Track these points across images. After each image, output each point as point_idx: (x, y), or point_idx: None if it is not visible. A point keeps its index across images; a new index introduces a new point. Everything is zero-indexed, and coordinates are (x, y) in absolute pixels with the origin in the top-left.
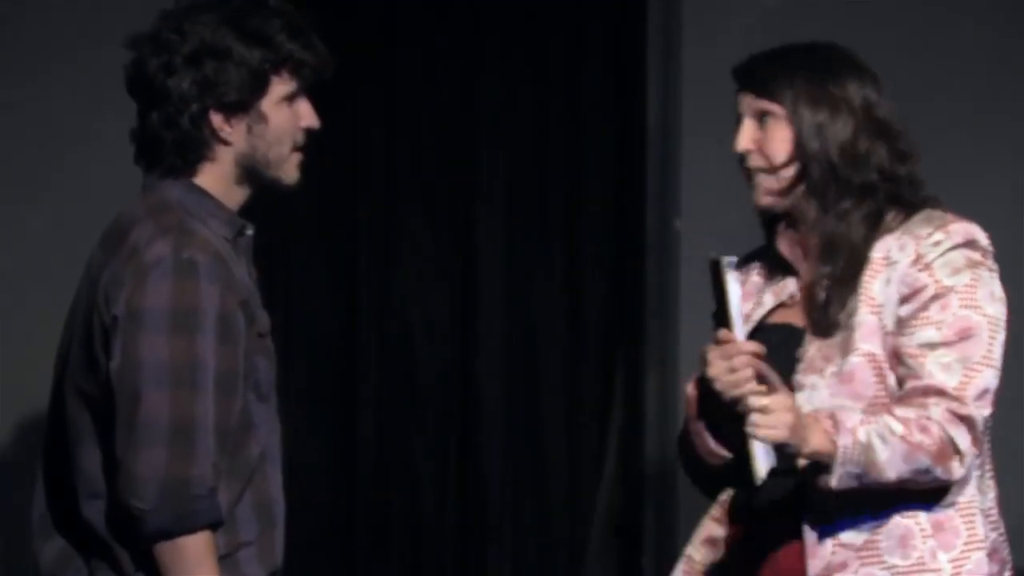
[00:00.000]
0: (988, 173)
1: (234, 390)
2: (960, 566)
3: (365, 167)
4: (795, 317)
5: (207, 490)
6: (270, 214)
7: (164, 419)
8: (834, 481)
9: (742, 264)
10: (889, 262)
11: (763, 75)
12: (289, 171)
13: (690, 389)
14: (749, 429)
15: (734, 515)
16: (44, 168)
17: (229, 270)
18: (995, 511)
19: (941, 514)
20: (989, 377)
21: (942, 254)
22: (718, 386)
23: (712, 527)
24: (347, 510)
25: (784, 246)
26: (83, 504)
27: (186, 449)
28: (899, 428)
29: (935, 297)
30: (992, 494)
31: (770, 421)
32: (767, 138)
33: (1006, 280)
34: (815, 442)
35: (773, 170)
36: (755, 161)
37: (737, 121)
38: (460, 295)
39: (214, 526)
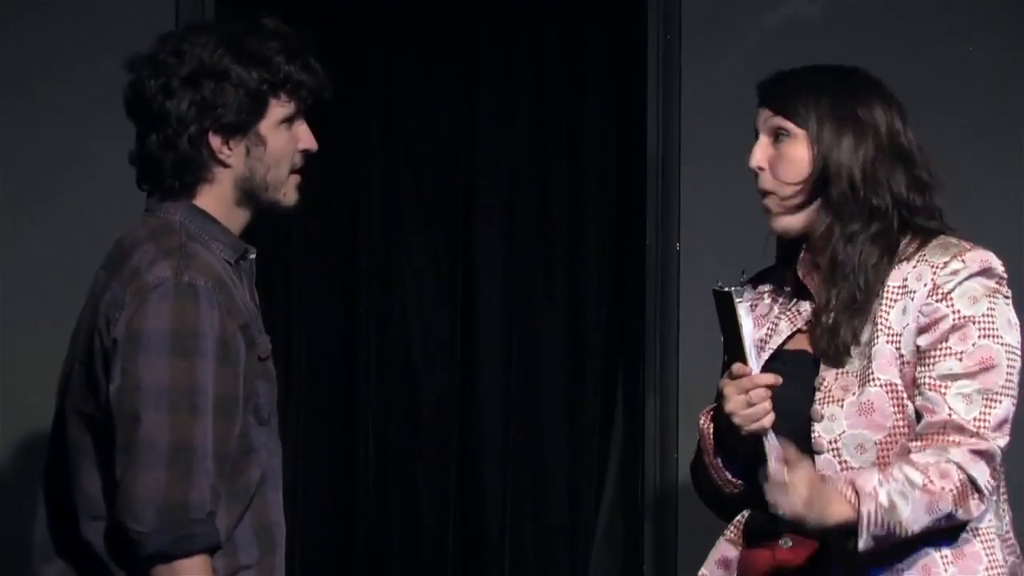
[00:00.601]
0: (990, 187)
1: (234, 414)
2: None
3: (365, 188)
4: (808, 343)
5: (205, 514)
6: (270, 236)
7: (163, 442)
8: (861, 545)
9: (753, 286)
10: (906, 291)
11: (786, 93)
12: (288, 194)
13: (704, 422)
14: (769, 502)
15: (749, 538)
16: (43, 188)
17: (230, 294)
18: (1011, 535)
19: (961, 541)
20: (1008, 407)
21: (960, 283)
22: (736, 420)
23: (727, 548)
24: (347, 530)
25: (802, 269)
26: (83, 526)
27: (184, 472)
28: (919, 479)
29: (955, 327)
30: (1008, 518)
31: (785, 500)
32: (781, 156)
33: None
34: (837, 513)
35: (783, 192)
36: (766, 183)
37: (755, 136)
38: (460, 316)
39: (212, 550)
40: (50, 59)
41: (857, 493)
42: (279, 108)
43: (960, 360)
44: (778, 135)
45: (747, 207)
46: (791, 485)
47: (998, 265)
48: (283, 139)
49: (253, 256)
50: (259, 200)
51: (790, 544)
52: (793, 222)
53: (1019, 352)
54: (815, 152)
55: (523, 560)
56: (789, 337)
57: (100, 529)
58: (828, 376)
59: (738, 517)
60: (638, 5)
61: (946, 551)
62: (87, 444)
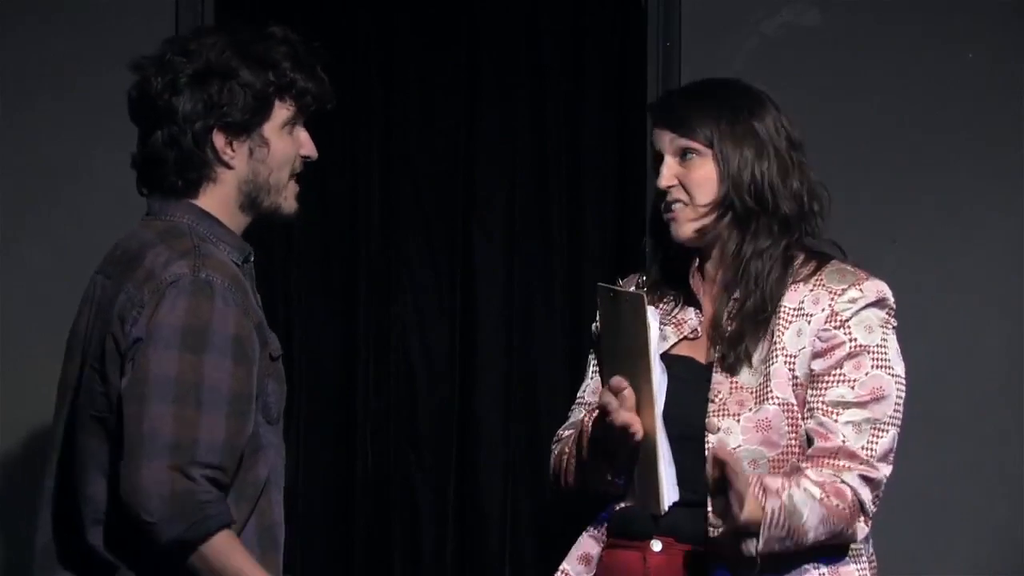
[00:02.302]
0: (989, 192)
1: (247, 412)
2: None
3: (365, 199)
4: (697, 352)
5: (214, 495)
6: (271, 244)
7: (168, 433)
8: (760, 546)
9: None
10: (802, 313)
11: (686, 113)
12: (288, 200)
13: (589, 424)
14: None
15: (614, 535)
16: (42, 198)
17: (245, 293)
18: (872, 552)
19: (841, 565)
20: (893, 437)
21: (857, 312)
22: (625, 430)
23: (589, 544)
24: (346, 541)
25: (694, 278)
26: (88, 531)
27: (189, 461)
28: (817, 492)
29: (850, 355)
30: (871, 542)
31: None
32: (690, 174)
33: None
34: (747, 512)
35: (695, 205)
36: (678, 194)
37: (656, 158)
38: (459, 328)
39: (227, 526)
40: (49, 69)
41: (765, 491)
42: (283, 111)
43: (852, 388)
44: (684, 154)
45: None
46: (740, 493)
47: (890, 296)
48: (285, 143)
49: (252, 259)
50: (260, 204)
51: (660, 547)
52: (700, 234)
53: (905, 383)
54: (722, 169)
55: (522, 571)
56: (675, 343)
57: (103, 533)
58: (722, 389)
59: (602, 514)
60: (638, 13)
61: (824, 570)
62: (96, 448)
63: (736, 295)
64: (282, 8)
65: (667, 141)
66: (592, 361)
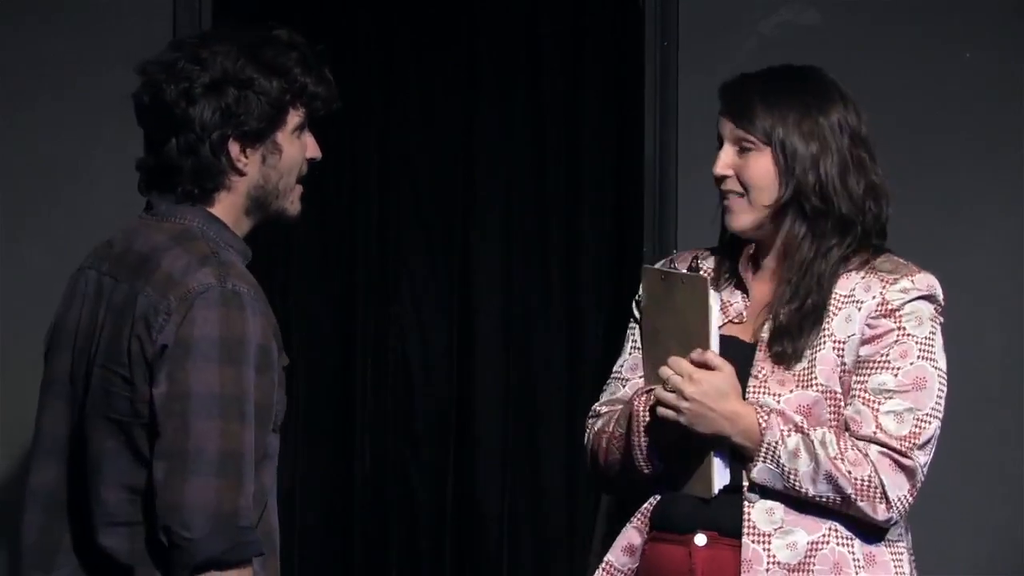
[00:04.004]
0: (989, 192)
1: (267, 423)
2: None
3: (364, 199)
4: (743, 333)
5: (251, 522)
6: (270, 244)
7: (213, 449)
8: (754, 472)
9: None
10: (853, 300)
11: (750, 107)
12: (294, 203)
13: (639, 405)
14: (657, 409)
15: (657, 526)
16: (42, 199)
17: (265, 300)
18: (912, 548)
19: (874, 548)
20: (935, 429)
21: (909, 302)
22: (659, 412)
23: (633, 535)
24: (345, 541)
25: (744, 265)
26: (101, 533)
27: (235, 480)
28: (832, 451)
29: (897, 343)
30: (910, 535)
31: (674, 401)
32: (747, 166)
33: None
34: (742, 434)
35: (752, 200)
36: (731, 185)
37: (719, 141)
38: (458, 328)
39: (257, 557)
40: (49, 69)
41: (768, 422)
42: (295, 117)
43: (896, 376)
44: (743, 147)
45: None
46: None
47: (940, 293)
48: (296, 148)
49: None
50: (268, 209)
51: (705, 541)
52: (756, 228)
53: (946, 380)
54: (782, 167)
55: (521, 572)
56: (720, 326)
57: (123, 534)
58: (765, 367)
59: (645, 504)
60: (635, 13)
61: (859, 554)
62: (109, 449)
63: (793, 291)
64: (282, 8)
65: (728, 129)
66: (631, 337)
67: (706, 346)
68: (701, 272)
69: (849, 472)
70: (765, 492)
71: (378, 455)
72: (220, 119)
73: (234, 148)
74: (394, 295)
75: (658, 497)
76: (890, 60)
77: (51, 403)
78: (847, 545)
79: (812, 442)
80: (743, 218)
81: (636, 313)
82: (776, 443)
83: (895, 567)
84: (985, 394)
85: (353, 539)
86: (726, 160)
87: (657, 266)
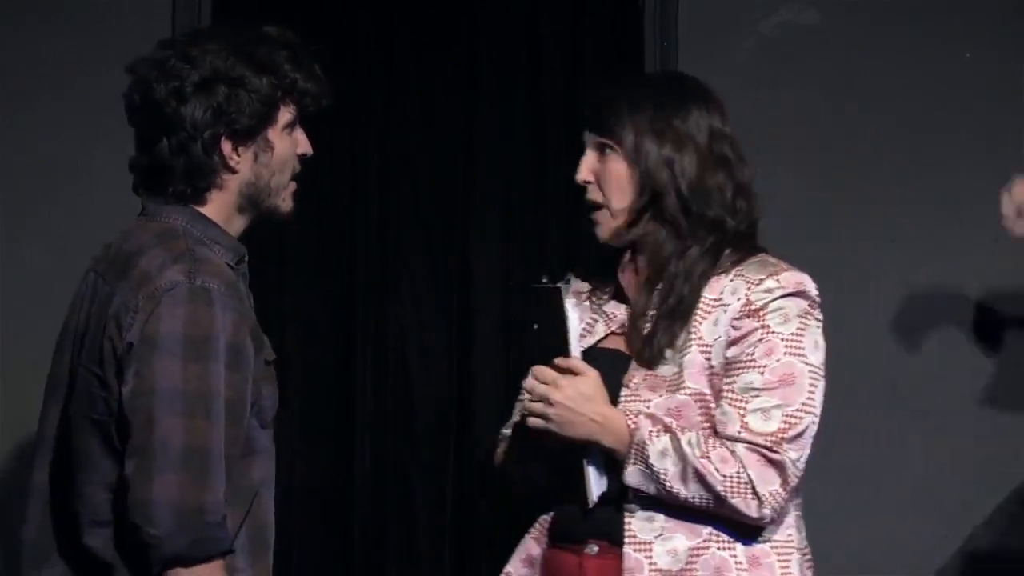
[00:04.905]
0: (990, 192)
1: (241, 419)
2: None
3: (364, 199)
4: (624, 345)
5: (220, 517)
6: (268, 243)
7: (178, 445)
8: (626, 475)
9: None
10: (720, 303)
11: (603, 113)
12: (286, 201)
13: (510, 430)
14: (526, 419)
15: (554, 538)
16: (42, 199)
17: (240, 297)
18: (808, 549)
19: (757, 549)
20: (808, 423)
21: (773, 300)
22: (528, 422)
23: (531, 545)
24: (343, 541)
25: (623, 274)
26: (85, 532)
27: (199, 476)
28: (700, 450)
29: (761, 341)
30: (804, 532)
31: (541, 409)
32: (605, 171)
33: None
34: (612, 438)
35: (611, 206)
36: (593, 195)
37: (582, 151)
38: (457, 328)
39: (225, 554)
40: (48, 70)
41: (637, 424)
42: (286, 114)
43: (762, 374)
44: (603, 150)
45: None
46: (578, 384)
47: (812, 289)
48: (287, 144)
49: (247, 259)
50: (260, 206)
51: (596, 550)
52: (618, 236)
53: (822, 374)
54: (636, 168)
55: None
56: (603, 338)
57: (106, 535)
58: (637, 375)
59: (544, 516)
60: (635, 13)
61: (741, 557)
62: (93, 449)
63: (658, 294)
64: (282, 8)
65: (588, 138)
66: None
67: (567, 354)
68: (566, 283)
69: (717, 470)
70: (644, 501)
71: (378, 455)
72: (211, 117)
73: (226, 146)
74: (394, 295)
75: (553, 510)
76: (890, 60)
77: (51, 404)
78: (728, 549)
79: (680, 442)
80: (605, 227)
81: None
82: (644, 443)
83: (781, 568)
84: (989, 393)
85: (353, 539)
86: (587, 166)
87: (537, 284)
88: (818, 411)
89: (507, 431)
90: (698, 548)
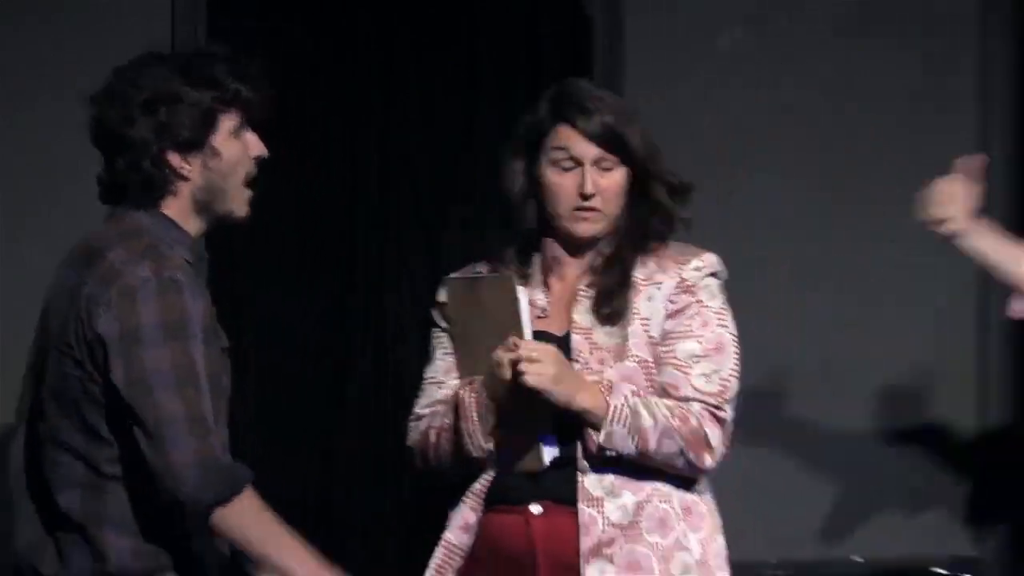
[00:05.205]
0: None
1: (219, 389)
2: (707, 546)
3: (364, 198)
4: (551, 326)
5: (230, 459)
6: (270, 243)
7: (180, 416)
8: (602, 437)
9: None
10: (652, 282)
11: (611, 130)
12: (240, 205)
13: (465, 394)
14: (522, 377)
15: (492, 502)
16: (41, 200)
17: (202, 287)
18: (715, 505)
19: (689, 500)
20: (736, 386)
21: (703, 279)
22: (528, 379)
23: (468, 513)
24: (340, 542)
25: (546, 264)
26: (59, 495)
27: (204, 434)
28: (663, 408)
29: (697, 315)
30: (711, 491)
31: (537, 368)
32: (606, 184)
33: None
34: (588, 399)
35: (606, 211)
36: (596, 203)
37: (572, 159)
38: None
39: (250, 483)
40: (48, 70)
41: (611, 389)
42: (229, 122)
43: (700, 343)
44: (601, 164)
45: (696, 225)
46: (544, 359)
47: (723, 269)
48: (236, 148)
49: (206, 258)
50: (214, 210)
51: (540, 510)
52: (600, 232)
53: (738, 343)
54: (632, 180)
55: None
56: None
57: (76, 496)
58: (583, 349)
59: (476, 484)
60: (583, 22)
61: (677, 508)
62: (63, 424)
63: (603, 273)
64: (282, 8)
65: (587, 151)
66: (439, 344)
67: (521, 335)
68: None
69: (679, 427)
70: (596, 462)
71: (378, 455)
72: (155, 135)
73: (174, 158)
74: (393, 294)
75: (489, 476)
76: (822, 74)
77: (28, 381)
78: (667, 501)
79: (649, 402)
80: (594, 228)
81: (441, 322)
82: (622, 405)
83: (708, 514)
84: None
85: (352, 539)
86: (594, 181)
87: (457, 275)
88: (739, 376)
89: (424, 411)
90: (643, 503)
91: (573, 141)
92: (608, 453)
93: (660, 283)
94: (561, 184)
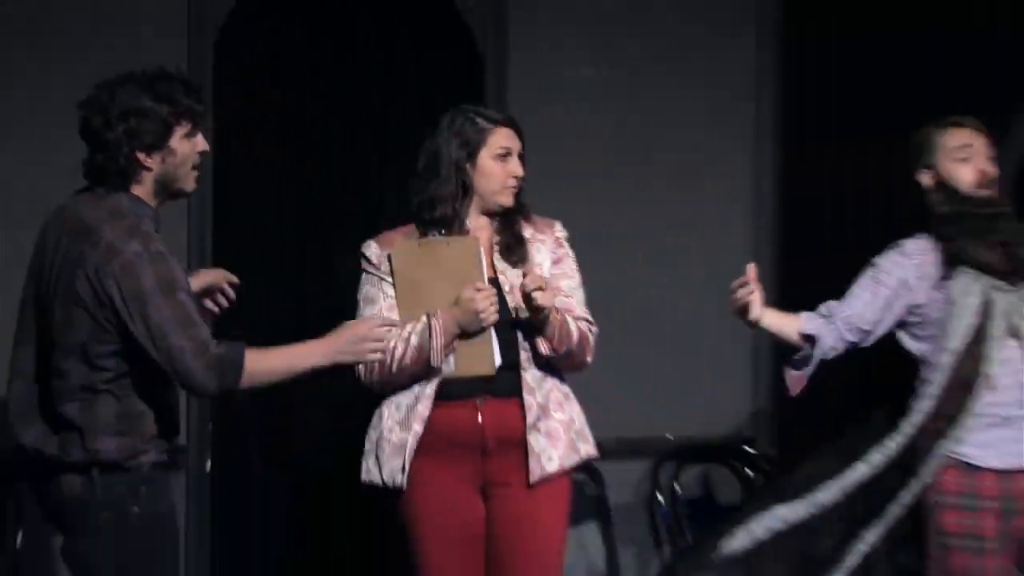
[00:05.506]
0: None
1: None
2: (580, 420)
3: (364, 198)
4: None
5: (222, 350)
6: (271, 242)
7: (179, 325)
8: (556, 340)
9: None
10: (536, 239)
11: (521, 134)
12: (190, 184)
13: (435, 323)
14: (535, 301)
15: (441, 397)
16: (42, 202)
17: (173, 256)
18: None
19: (566, 388)
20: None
21: (565, 238)
22: (490, 316)
23: (422, 410)
24: (338, 541)
25: (478, 224)
26: (62, 403)
27: (195, 332)
28: (574, 322)
29: (568, 261)
30: None
31: (544, 295)
32: (521, 165)
33: None
34: (555, 313)
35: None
36: (520, 180)
37: (508, 153)
38: None
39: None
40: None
41: (556, 309)
42: (182, 129)
43: (573, 280)
44: (518, 154)
45: (555, 204)
46: (548, 288)
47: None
48: (186, 147)
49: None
50: (170, 189)
51: (485, 401)
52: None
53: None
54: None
55: None
56: None
57: (76, 405)
58: (505, 285)
59: (427, 389)
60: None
61: (564, 392)
62: (68, 355)
63: (510, 235)
64: (282, 8)
65: (514, 142)
66: (382, 291)
67: (483, 281)
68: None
69: (582, 335)
70: (535, 363)
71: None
72: (127, 138)
73: (141, 155)
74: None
75: (436, 381)
76: (646, 98)
77: (28, 317)
78: (559, 388)
79: (570, 319)
80: (515, 198)
81: (378, 273)
82: (567, 318)
83: (573, 398)
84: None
85: (350, 539)
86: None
87: (413, 240)
88: None
89: (400, 343)
90: (549, 390)
91: (512, 140)
92: (551, 352)
93: (543, 240)
94: (498, 168)
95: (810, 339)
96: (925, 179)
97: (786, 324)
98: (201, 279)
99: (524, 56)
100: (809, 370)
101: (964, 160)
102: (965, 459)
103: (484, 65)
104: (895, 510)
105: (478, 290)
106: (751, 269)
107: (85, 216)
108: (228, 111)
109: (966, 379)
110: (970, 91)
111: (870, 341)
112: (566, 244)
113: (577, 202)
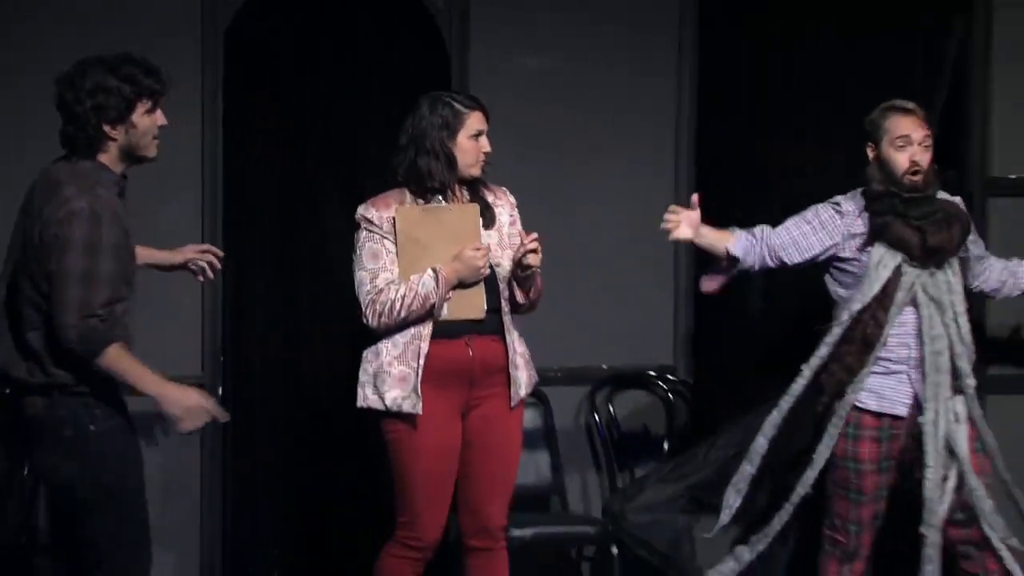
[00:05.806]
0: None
1: (126, 290)
2: (531, 357)
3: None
4: None
5: (107, 312)
6: (271, 241)
7: (77, 281)
8: (534, 292)
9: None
10: (498, 204)
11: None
12: (151, 151)
13: (440, 276)
14: (528, 259)
15: (436, 336)
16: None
17: (122, 217)
18: None
19: (519, 327)
20: None
21: (514, 204)
22: (482, 265)
23: (422, 347)
24: (337, 539)
25: (450, 195)
26: (27, 334)
27: (87, 302)
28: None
29: (519, 221)
30: None
31: (535, 255)
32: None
33: None
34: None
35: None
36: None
37: (481, 133)
38: None
39: (114, 343)
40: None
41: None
42: (143, 105)
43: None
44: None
45: (539, 213)
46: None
47: None
48: (147, 121)
49: (125, 182)
50: (133, 156)
51: (473, 339)
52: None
53: None
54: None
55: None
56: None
57: (37, 336)
58: (492, 243)
59: (424, 328)
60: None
61: (519, 332)
62: (29, 293)
63: (475, 199)
64: (282, 8)
65: (484, 123)
66: (385, 248)
67: (478, 238)
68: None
69: (539, 288)
70: (513, 309)
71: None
72: (94, 113)
73: (107, 128)
74: None
75: (430, 323)
76: (581, 81)
77: (9, 259)
78: (518, 328)
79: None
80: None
81: (380, 232)
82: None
83: (525, 342)
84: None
85: (351, 539)
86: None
87: (417, 206)
88: None
89: (383, 286)
90: (517, 335)
91: (483, 122)
92: (525, 301)
93: (502, 204)
94: (472, 146)
95: (734, 259)
96: (870, 152)
97: (718, 240)
98: (186, 253)
99: (483, 52)
100: (725, 279)
101: (901, 148)
102: (855, 402)
103: (450, 60)
104: (818, 461)
105: (476, 249)
106: (694, 198)
107: (55, 177)
108: (239, 108)
109: (869, 339)
110: (884, 70)
111: (786, 269)
112: (518, 210)
113: (528, 171)
